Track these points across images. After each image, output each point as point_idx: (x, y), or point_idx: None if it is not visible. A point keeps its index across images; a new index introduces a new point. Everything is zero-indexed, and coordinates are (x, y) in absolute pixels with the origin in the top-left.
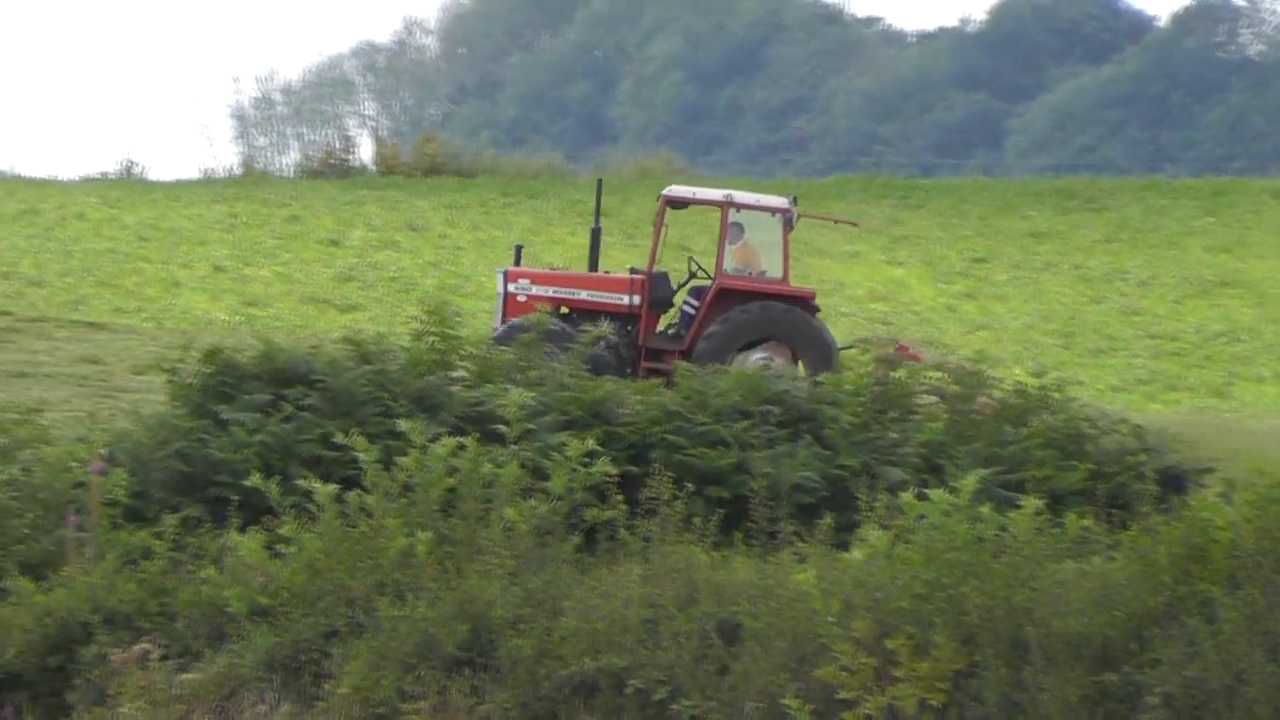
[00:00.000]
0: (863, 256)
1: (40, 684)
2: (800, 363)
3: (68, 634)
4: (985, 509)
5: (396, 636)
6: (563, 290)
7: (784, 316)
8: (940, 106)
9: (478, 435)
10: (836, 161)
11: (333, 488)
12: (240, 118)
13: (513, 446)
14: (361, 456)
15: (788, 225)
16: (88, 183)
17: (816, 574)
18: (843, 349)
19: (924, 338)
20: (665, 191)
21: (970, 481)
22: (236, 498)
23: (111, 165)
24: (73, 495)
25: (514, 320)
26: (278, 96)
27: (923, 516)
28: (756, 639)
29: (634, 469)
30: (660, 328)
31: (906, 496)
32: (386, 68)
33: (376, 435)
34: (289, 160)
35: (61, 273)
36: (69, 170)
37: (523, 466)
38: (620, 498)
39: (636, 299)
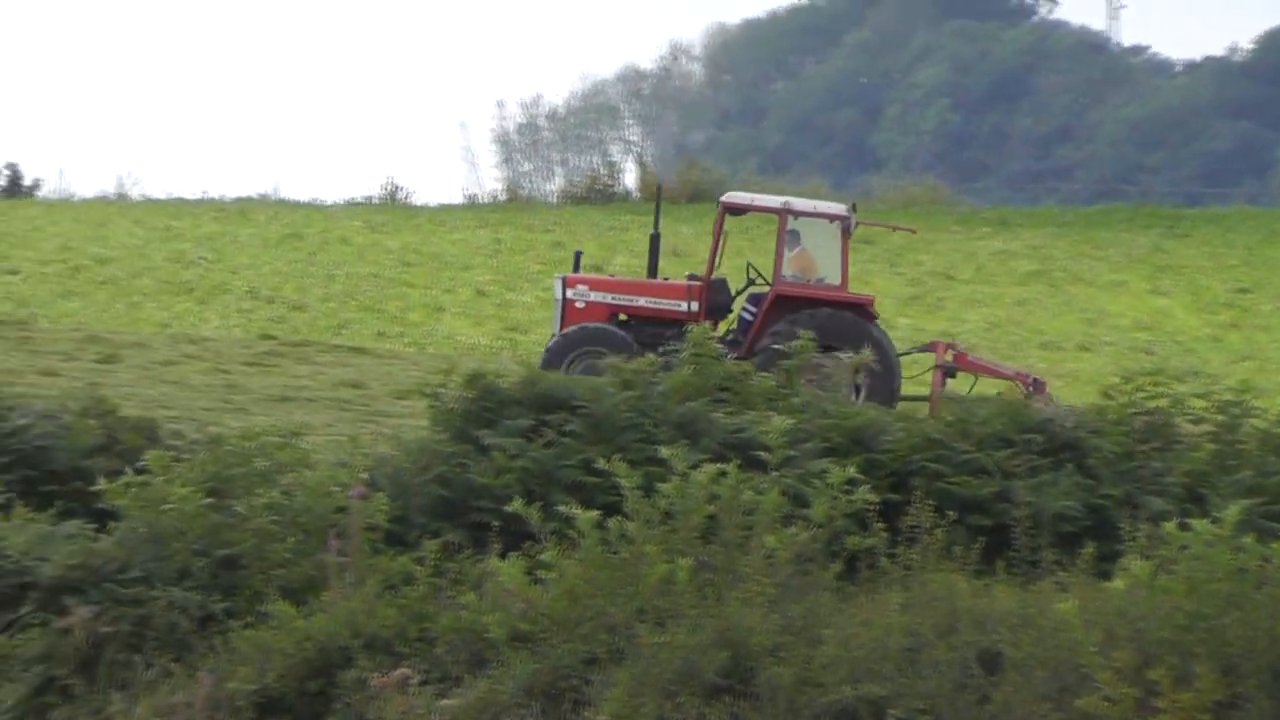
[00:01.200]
0: (1127, 286)
1: (300, 708)
2: (858, 368)
3: (328, 658)
4: (1249, 539)
5: (657, 663)
6: (621, 297)
7: (841, 323)
8: (1206, 135)
9: (739, 462)
10: (1101, 190)
11: (594, 514)
12: (505, 143)
13: (773, 473)
14: (623, 483)
15: (845, 232)
16: (351, 207)
17: (1078, 603)
18: (901, 355)
19: (1188, 367)
20: (723, 198)
21: (1233, 512)
22: (497, 523)
23: (375, 189)
24: (333, 519)
25: (575, 325)
26: (543, 122)
27: (1185, 547)
28: (1017, 668)
29: (895, 496)
30: (719, 334)
31: (1169, 526)
32: (651, 93)
33: (637, 461)
34: (553, 186)
35: (324, 297)
36: (333, 194)
37: (783, 494)
38: (881, 525)
39: (695, 305)
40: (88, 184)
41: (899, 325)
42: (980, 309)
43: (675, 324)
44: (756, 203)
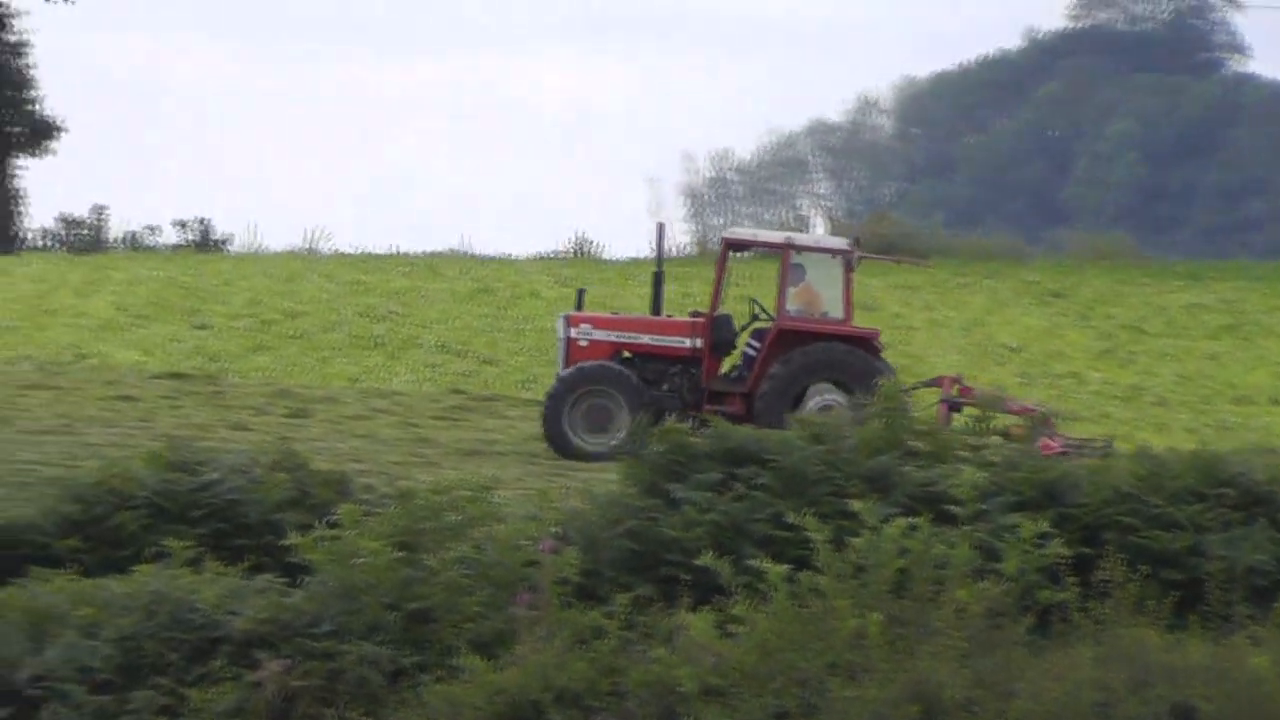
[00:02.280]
0: None
1: None
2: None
3: (519, 712)
4: None
5: (848, 718)
6: (625, 335)
7: (846, 357)
8: None
9: (930, 515)
10: None
11: (784, 567)
12: (694, 196)
13: (965, 527)
14: (813, 536)
15: (848, 266)
16: (540, 260)
17: (1272, 658)
18: (908, 390)
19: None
20: (725, 234)
21: None
22: (688, 577)
23: (564, 243)
24: (524, 573)
25: (579, 364)
26: (731, 175)
27: None
28: None
29: (1087, 550)
30: (723, 370)
31: None
32: (840, 147)
33: (828, 515)
34: None
35: (514, 351)
36: (522, 248)
37: (975, 547)
38: (1073, 579)
39: (699, 342)
40: (278, 238)
41: (1090, 379)
42: (1172, 362)
43: (679, 361)
44: (759, 238)
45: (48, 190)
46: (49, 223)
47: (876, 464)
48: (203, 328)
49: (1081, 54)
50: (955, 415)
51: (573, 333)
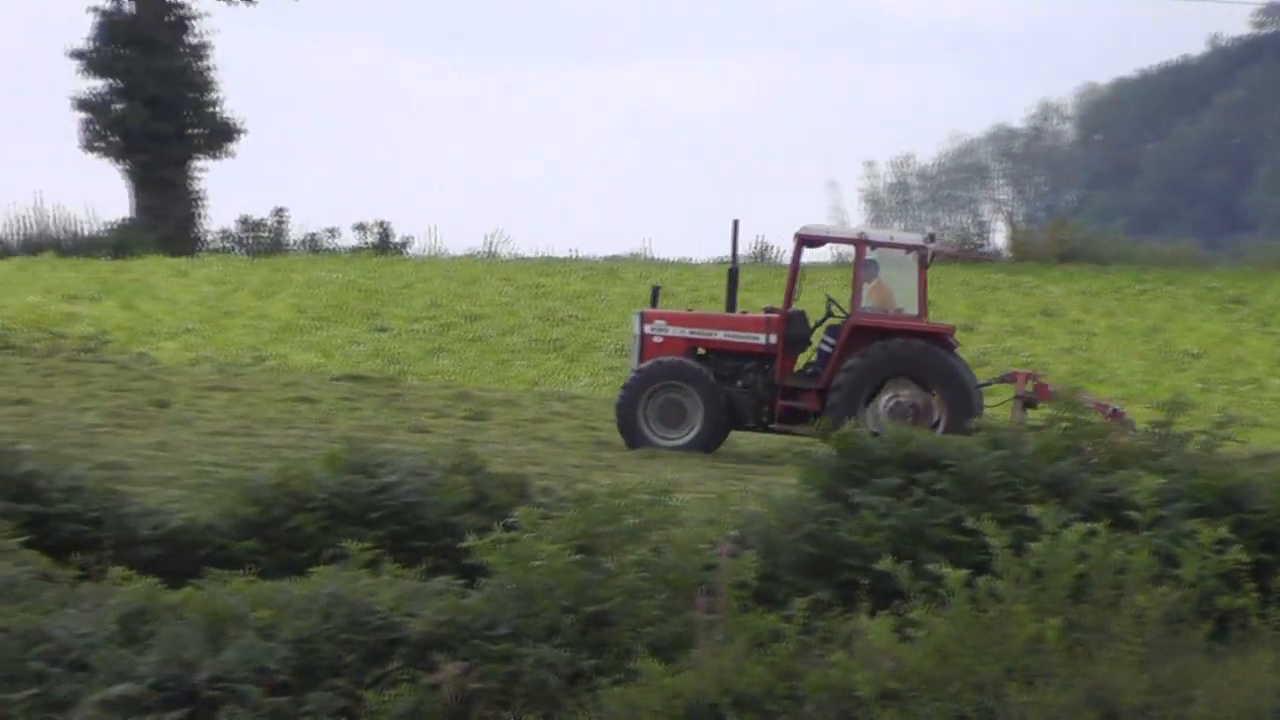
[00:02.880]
0: None
1: None
2: (936, 399)
3: (696, 716)
4: None
5: None
6: (699, 331)
7: (920, 353)
8: None
9: (1109, 521)
10: None
11: (963, 572)
12: (874, 202)
13: (1144, 533)
14: (992, 541)
15: (923, 263)
16: (720, 264)
17: None
18: (981, 386)
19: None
20: (799, 230)
21: None
22: (866, 581)
23: (743, 248)
24: (702, 577)
25: (653, 360)
26: (913, 181)
27: None
28: None
29: (1266, 556)
30: (798, 366)
31: None
32: (1022, 153)
33: (1007, 520)
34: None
35: None
36: (701, 252)
37: (1153, 553)
38: (1252, 586)
39: (773, 338)
40: (458, 242)
41: (1271, 386)
42: None
43: (753, 357)
44: (833, 234)
45: (227, 192)
46: (229, 225)
47: (1056, 469)
48: (382, 330)
49: (1265, 60)
50: (1030, 411)
51: (647, 329)
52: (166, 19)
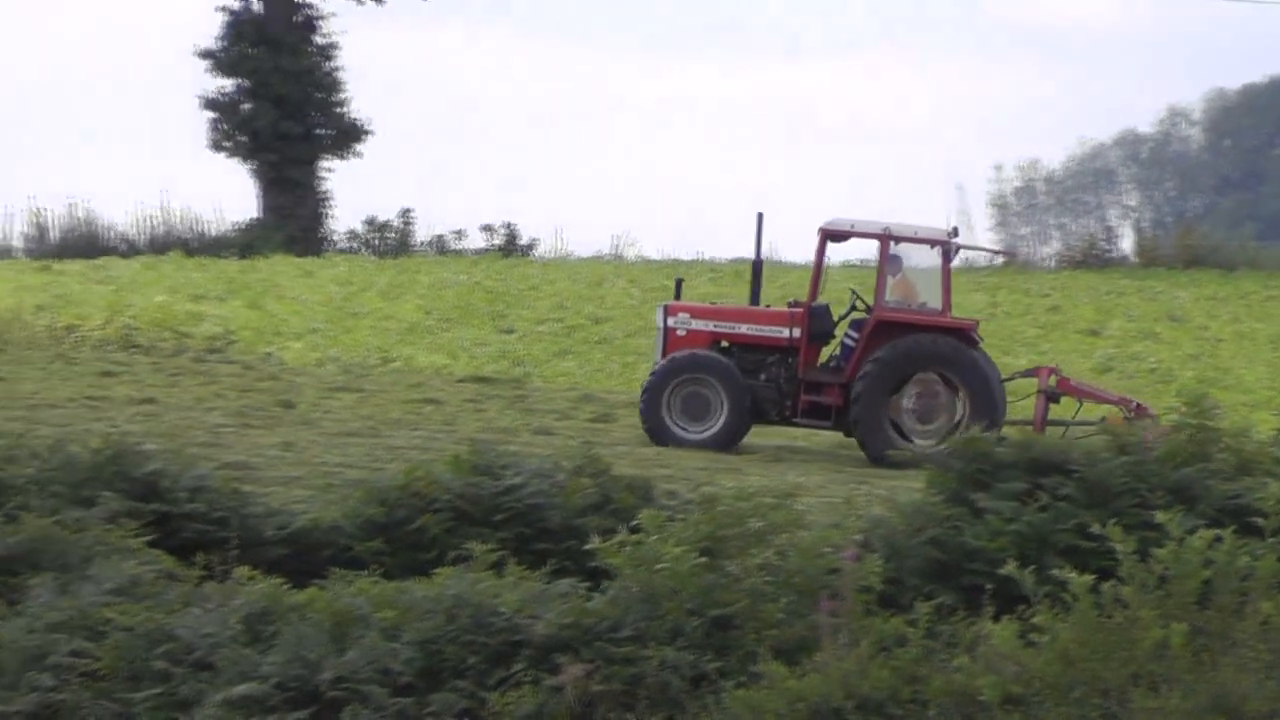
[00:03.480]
0: None
1: None
2: (960, 394)
3: (820, 719)
4: None
5: None
6: (723, 324)
7: (943, 348)
8: None
9: (1234, 527)
10: None
11: (1088, 578)
12: (1001, 206)
13: (1270, 539)
14: (1117, 547)
15: (947, 257)
16: (848, 268)
17: None
18: (1005, 380)
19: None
20: (823, 224)
21: None
22: (990, 586)
23: (870, 251)
24: (826, 581)
25: (677, 353)
26: (1039, 185)
27: None
28: None
29: None
30: (820, 361)
31: None
32: (1149, 158)
33: (1132, 526)
34: (1050, 250)
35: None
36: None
37: (1279, 560)
38: None
39: (796, 332)
40: (584, 244)
41: None
42: None
43: (777, 351)
44: (857, 228)
45: (354, 193)
46: (356, 225)
47: (1182, 476)
48: (508, 332)
49: None
50: (1054, 406)
51: (671, 322)
52: (294, 19)
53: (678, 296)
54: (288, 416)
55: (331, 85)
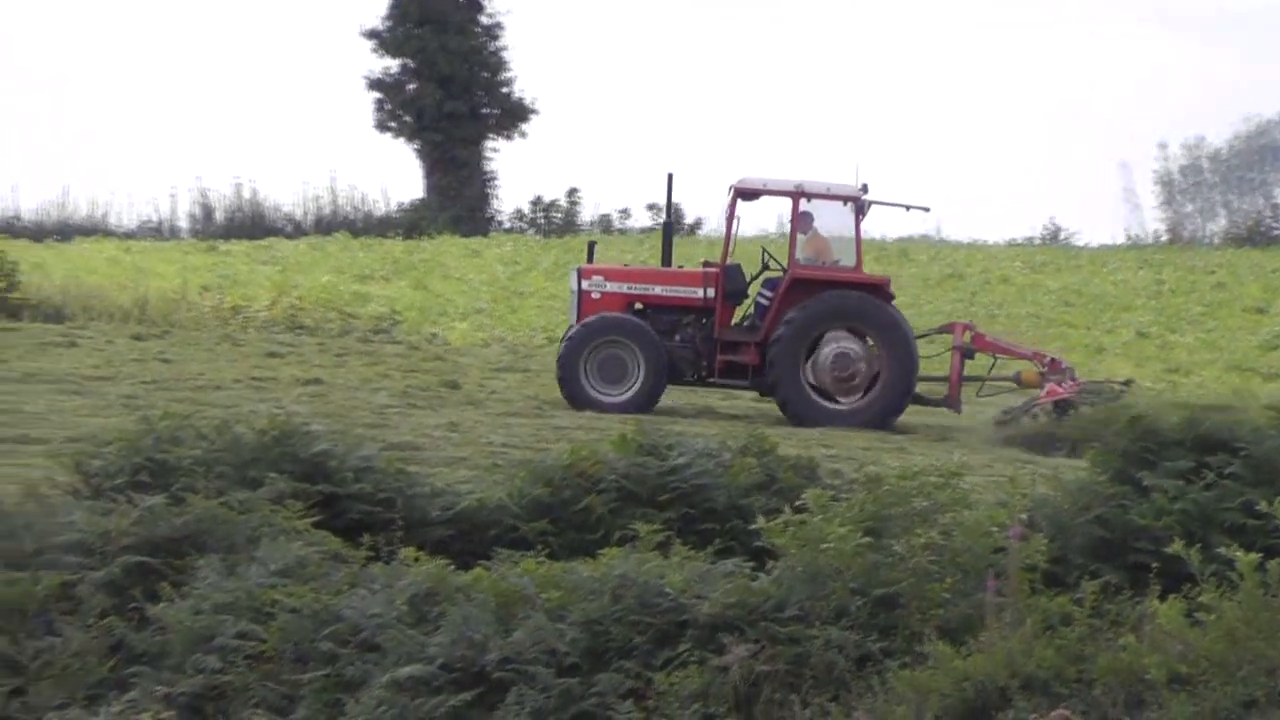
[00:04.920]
0: None
1: None
2: (874, 349)
3: (985, 698)
4: None
5: None
6: (636, 286)
7: (859, 304)
8: None
9: None
10: None
11: (1254, 556)
12: (1167, 184)
13: None
14: None
15: (859, 213)
16: (1012, 247)
17: None
18: (919, 336)
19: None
20: (735, 183)
21: None
22: (1156, 564)
23: (1036, 229)
24: (991, 560)
25: (593, 316)
26: (1205, 163)
27: None
28: None
29: None
30: (735, 320)
31: None
32: None
33: None
34: (1215, 227)
35: None
36: (994, 234)
37: None
38: None
39: (711, 292)
40: (750, 223)
41: None
42: None
43: (692, 311)
44: (769, 186)
45: (520, 172)
46: (521, 205)
47: None
48: None
49: None
50: (968, 362)
51: (585, 285)
52: None
53: (590, 260)
54: (453, 397)
55: (497, 64)
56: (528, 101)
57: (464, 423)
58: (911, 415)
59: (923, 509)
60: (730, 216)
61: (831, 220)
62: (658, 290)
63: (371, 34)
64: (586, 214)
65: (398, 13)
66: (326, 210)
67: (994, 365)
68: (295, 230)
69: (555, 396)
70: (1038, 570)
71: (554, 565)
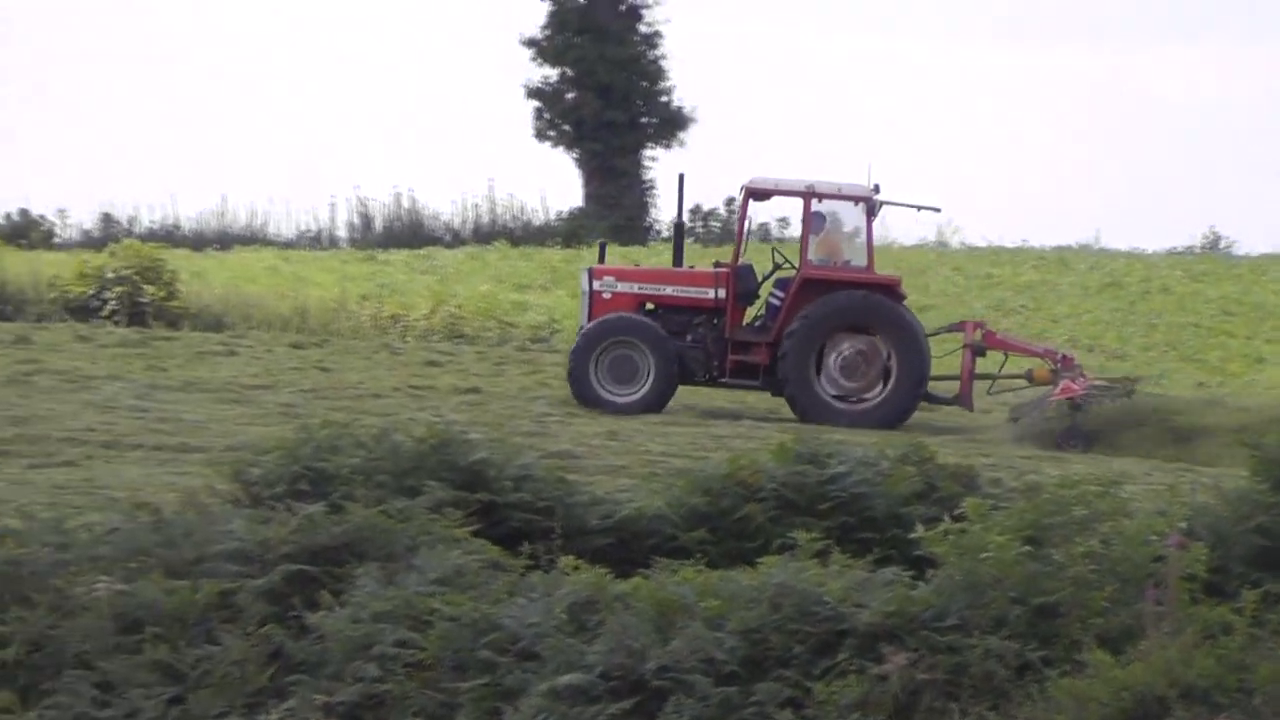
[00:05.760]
0: None
1: None
2: (885, 349)
3: (1144, 708)
4: None
5: None
6: (648, 287)
7: (870, 304)
8: None
9: None
10: None
11: None
12: None
13: None
14: None
15: (870, 213)
16: (1172, 255)
17: None
18: (930, 335)
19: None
20: (746, 183)
21: None
22: None
23: (1195, 238)
24: (1151, 569)
25: (603, 316)
26: None
27: None
28: None
29: None
30: (746, 320)
31: None
32: None
33: None
34: None
35: (1144, 346)
36: (1153, 242)
37: None
38: None
39: (722, 293)
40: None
41: None
42: None
43: (703, 312)
44: (781, 187)
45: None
46: (686, 216)
47: None
48: None
49: None
50: (979, 360)
51: (596, 285)
52: (619, 7)
53: (601, 260)
54: None
55: (656, 73)
56: (687, 110)
57: (622, 431)
58: (923, 414)
59: (1082, 517)
60: (742, 217)
61: (849, 220)
62: (669, 291)
63: (530, 43)
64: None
65: (557, 22)
66: (485, 219)
67: (1005, 363)
68: (454, 239)
69: (715, 404)
70: (1197, 579)
71: (712, 574)
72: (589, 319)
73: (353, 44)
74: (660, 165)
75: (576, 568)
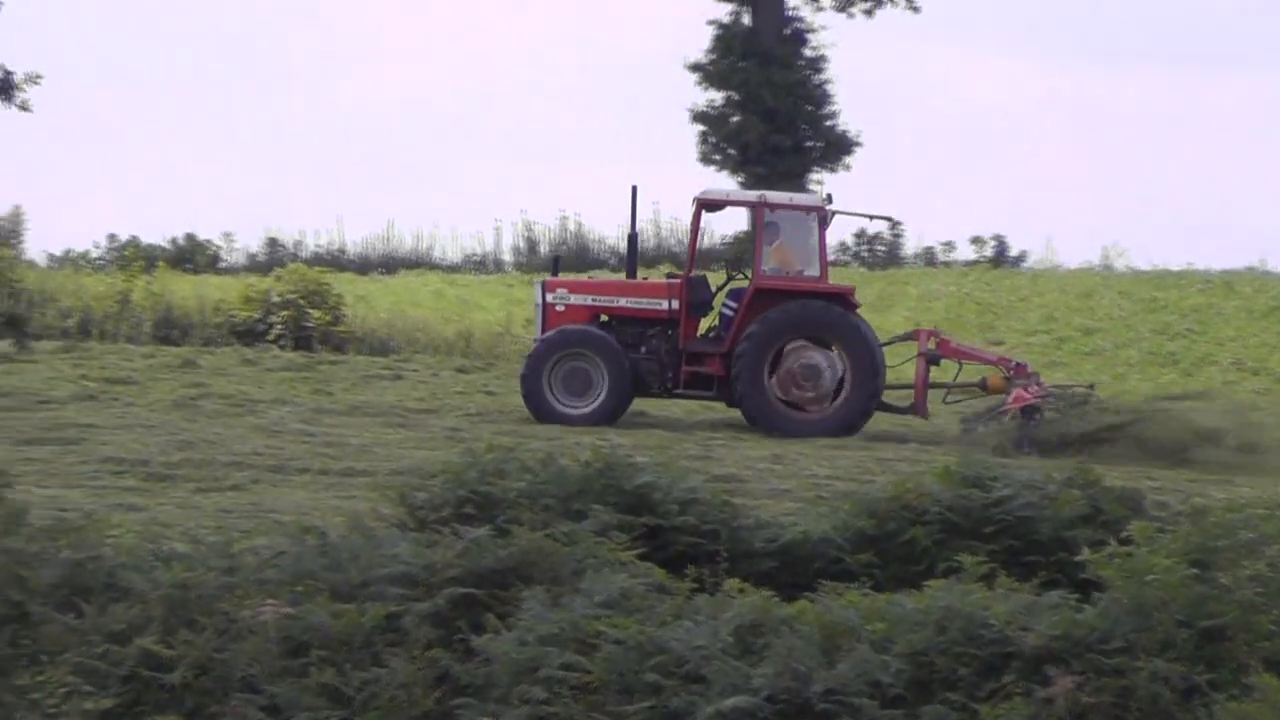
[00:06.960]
0: None
1: None
2: (840, 358)
3: None
4: None
5: None
6: (601, 298)
7: (823, 314)
8: None
9: None
10: None
11: None
12: None
13: None
14: None
15: (823, 224)
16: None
17: None
18: (885, 344)
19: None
20: (699, 194)
21: None
22: None
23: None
24: None
25: (557, 329)
26: None
27: None
28: None
29: None
30: (700, 331)
31: None
32: None
33: None
34: None
35: None
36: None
37: None
38: None
39: (675, 304)
40: (1074, 254)
41: None
42: None
43: (657, 323)
44: (733, 198)
45: (844, 205)
46: (845, 237)
47: None
48: (997, 343)
49: None
50: (934, 368)
51: (549, 297)
52: (784, 31)
53: (555, 273)
54: None
55: (821, 98)
56: (852, 134)
57: (787, 455)
58: (878, 422)
59: (1249, 540)
60: (694, 228)
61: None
62: (622, 302)
63: (695, 67)
64: (909, 247)
65: (722, 46)
66: (650, 243)
67: (959, 371)
68: (619, 262)
69: (880, 428)
70: None
71: (878, 597)
72: (542, 331)
73: (518, 68)
74: (825, 188)
75: (742, 591)
